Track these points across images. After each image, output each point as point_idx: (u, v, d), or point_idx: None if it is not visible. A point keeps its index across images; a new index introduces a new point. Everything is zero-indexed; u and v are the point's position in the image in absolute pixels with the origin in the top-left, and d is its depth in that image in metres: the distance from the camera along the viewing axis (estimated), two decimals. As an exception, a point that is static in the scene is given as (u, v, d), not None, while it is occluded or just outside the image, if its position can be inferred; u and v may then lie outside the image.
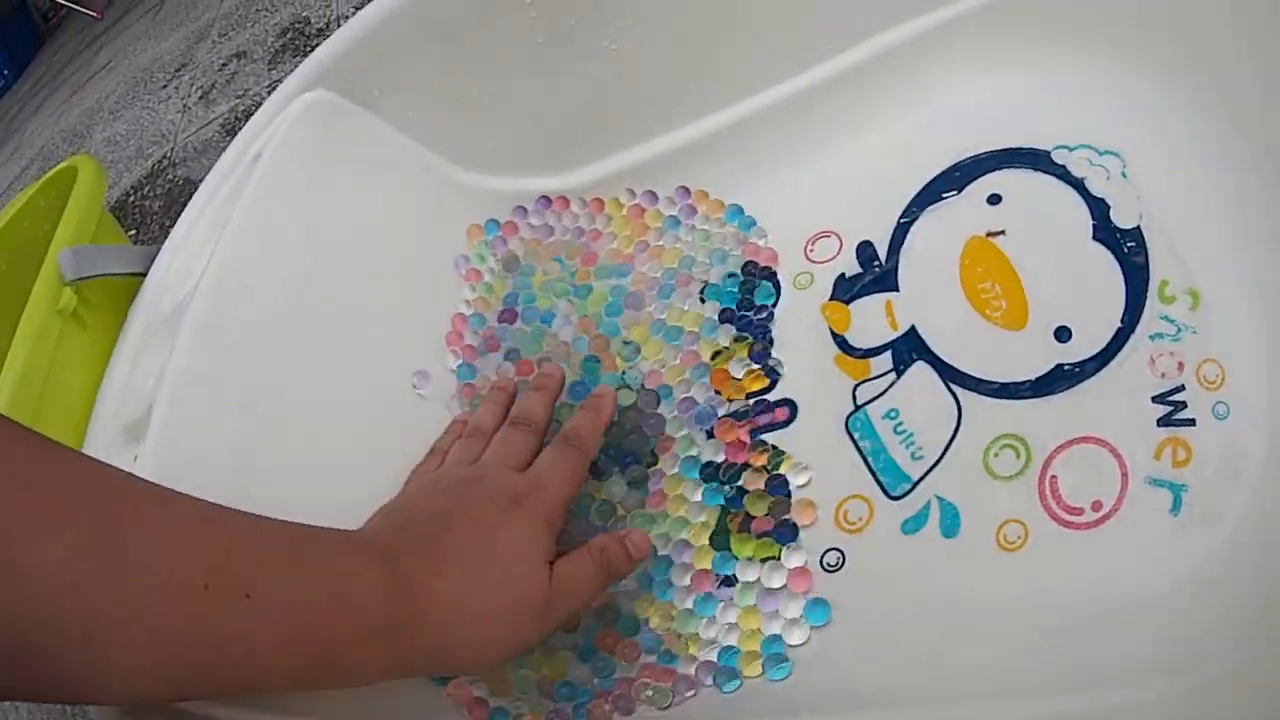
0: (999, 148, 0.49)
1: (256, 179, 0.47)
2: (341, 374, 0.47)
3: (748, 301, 0.51)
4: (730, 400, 0.48)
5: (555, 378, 0.49)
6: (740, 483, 0.45)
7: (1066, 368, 0.43)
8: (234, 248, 0.45)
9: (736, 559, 0.43)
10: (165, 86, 2.01)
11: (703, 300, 0.51)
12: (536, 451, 0.44)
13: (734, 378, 0.49)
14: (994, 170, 0.49)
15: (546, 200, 0.56)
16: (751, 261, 0.52)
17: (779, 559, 0.43)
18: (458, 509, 0.39)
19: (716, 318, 0.50)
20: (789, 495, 0.44)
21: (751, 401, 0.48)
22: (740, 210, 0.54)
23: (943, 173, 0.50)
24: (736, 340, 0.49)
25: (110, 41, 2.73)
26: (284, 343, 0.45)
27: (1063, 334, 0.44)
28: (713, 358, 0.49)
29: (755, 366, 0.48)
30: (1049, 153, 0.48)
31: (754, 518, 0.44)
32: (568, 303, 0.53)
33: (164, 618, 0.28)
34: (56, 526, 0.27)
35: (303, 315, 0.47)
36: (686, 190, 0.54)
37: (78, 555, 0.27)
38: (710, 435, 0.47)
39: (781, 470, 0.45)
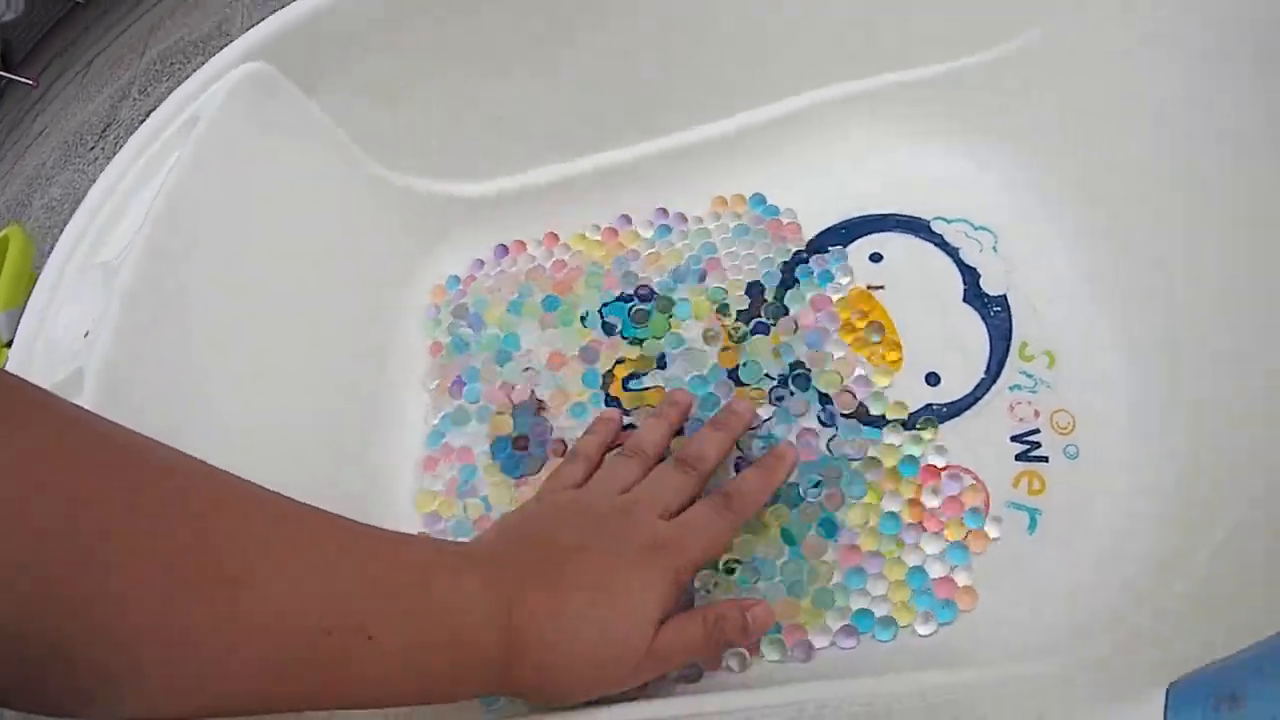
0: (884, 212, 0.53)
1: (194, 144, 0.45)
2: (275, 349, 0.47)
3: (636, 316, 0.53)
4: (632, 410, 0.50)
5: (743, 417, 0.46)
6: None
7: (935, 406, 0.46)
8: (169, 214, 0.43)
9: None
10: (93, 148, 1.99)
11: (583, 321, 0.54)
12: (693, 496, 0.42)
13: (625, 390, 0.51)
14: (878, 232, 0.53)
15: (504, 249, 0.57)
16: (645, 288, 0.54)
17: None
18: (592, 545, 0.37)
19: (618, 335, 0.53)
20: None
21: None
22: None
23: (832, 228, 0.54)
24: (628, 358, 0.52)
25: (46, 108, 2.70)
26: (219, 311, 0.44)
27: (932, 378, 0.47)
28: (607, 372, 0.52)
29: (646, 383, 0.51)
30: (929, 222, 0.52)
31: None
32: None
33: (279, 660, 0.28)
34: (175, 584, 0.26)
35: (236, 285, 0.46)
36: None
37: (192, 605, 0.26)
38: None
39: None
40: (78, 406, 0.27)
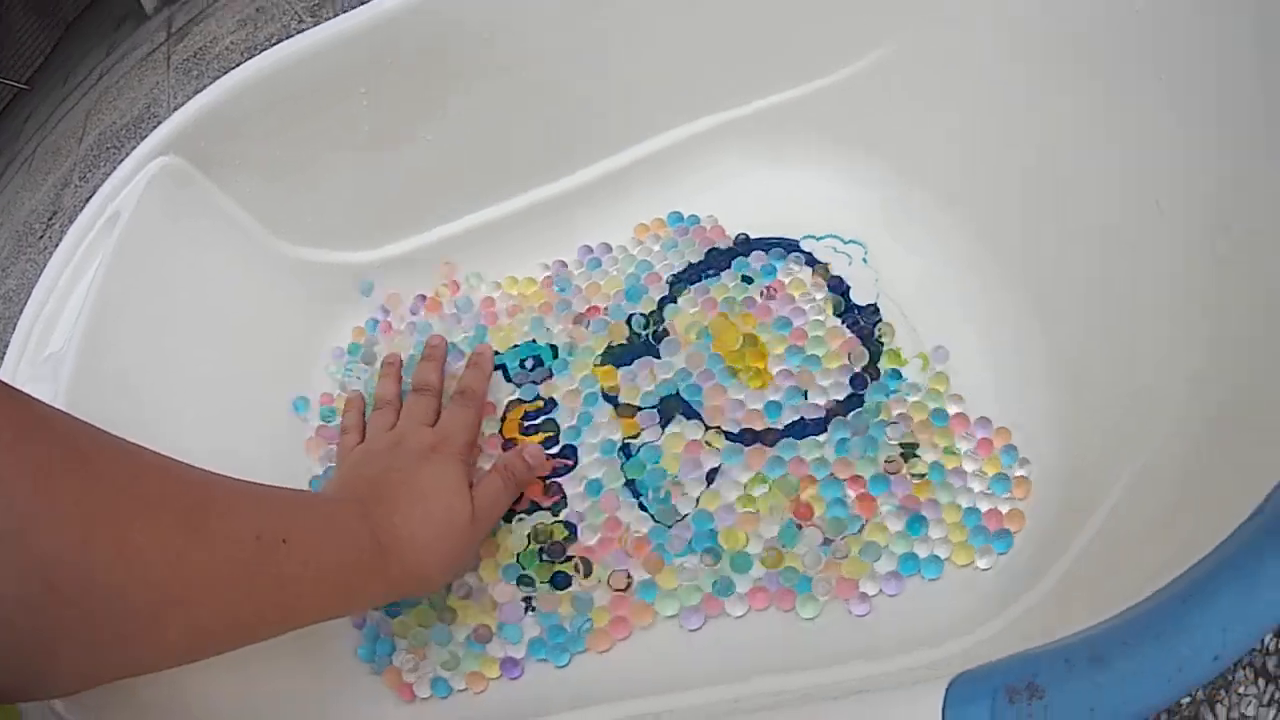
0: (755, 235, 0.57)
1: (117, 239, 0.50)
2: (207, 416, 0.51)
3: (529, 363, 0.56)
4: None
5: (441, 347, 0.57)
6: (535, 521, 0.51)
7: (809, 419, 0.50)
8: (101, 306, 0.47)
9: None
10: (42, 236, 2.00)
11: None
12: (438, 410, 0.53)
13: (521, 432, 0.54)
14: (750, 253, 0.57)
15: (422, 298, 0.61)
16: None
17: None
18: (392, 466, 0.47)
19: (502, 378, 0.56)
20: (575, 529, 0.50)
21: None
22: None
23: (706, 254, 0.58)
24: (521, 401, 0.55)
25: (-2, 200, 2.70)
26: (154, 388, 0.48)
27: (805, 392, 0.50)
28: (503, 415, 0.55)
29: (538, 421, 0.54)
30: (798, 240, 0.56)
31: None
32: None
33: (227, 570, 0.34)
34: (147, 513, 0.31)
35: (167, 363, 0.50)
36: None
37: (165, 536, 0.32)
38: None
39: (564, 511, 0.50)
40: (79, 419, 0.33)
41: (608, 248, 0.60)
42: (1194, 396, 0.38)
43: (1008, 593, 0.41)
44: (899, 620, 0.43)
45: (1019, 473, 0.46)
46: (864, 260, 0.54)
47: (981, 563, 0.44)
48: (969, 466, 0.47)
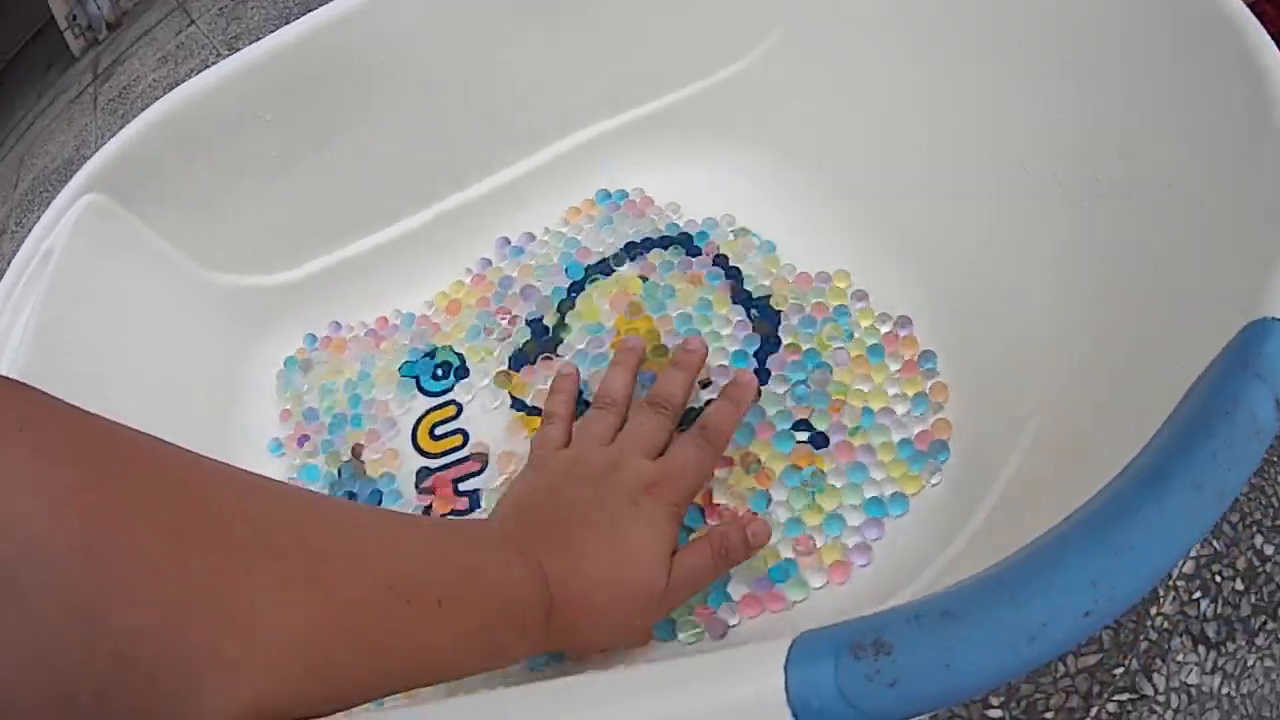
0: (653, 232, 0.60)
1: (49, 277, 0.52)
2: None
3: (438, 373, 0.58)
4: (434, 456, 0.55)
5: (698, 354, 0.49)
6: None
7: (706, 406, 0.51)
8: (37, 341, 0.49)
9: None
10: None
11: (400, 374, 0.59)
12: (670, 434, 0.45)
13: (432, 439, 0.56)
14: (650, 249, 0.60)
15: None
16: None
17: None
18: (594, 504, 0.40)
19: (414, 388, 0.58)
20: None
21: (449, 458, 0.55)
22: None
23: (606, 255, 0.60)
24: (434, 409, 0.57)
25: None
26: None
27: (705, 382, 0.53)
28: (415, 425, 0.57)
29: (449, 428, 0.56)
30: (693, 235, 0.59)
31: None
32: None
33: (366, 630, 0.28)
34: (270, 557, 0.26)
35: (104, 395, 0.51)
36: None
37: (286, 581, 0.26)
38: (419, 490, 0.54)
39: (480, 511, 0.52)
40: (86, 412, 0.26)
41: (530, 236, 0.63)
42: (1076, 346, 0.41)
43: (963, 502, 0.43)
44: (891, 566, 0.44)
45: (935, 380, 0.48)
46: (760, 248, 0.58)
47: (932, 480, 0.45)
48: (890, 390, 0.49)
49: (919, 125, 0.54)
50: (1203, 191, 0.36)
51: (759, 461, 0.48)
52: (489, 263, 0.62)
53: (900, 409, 0.49)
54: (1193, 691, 0.84)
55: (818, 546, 0.45)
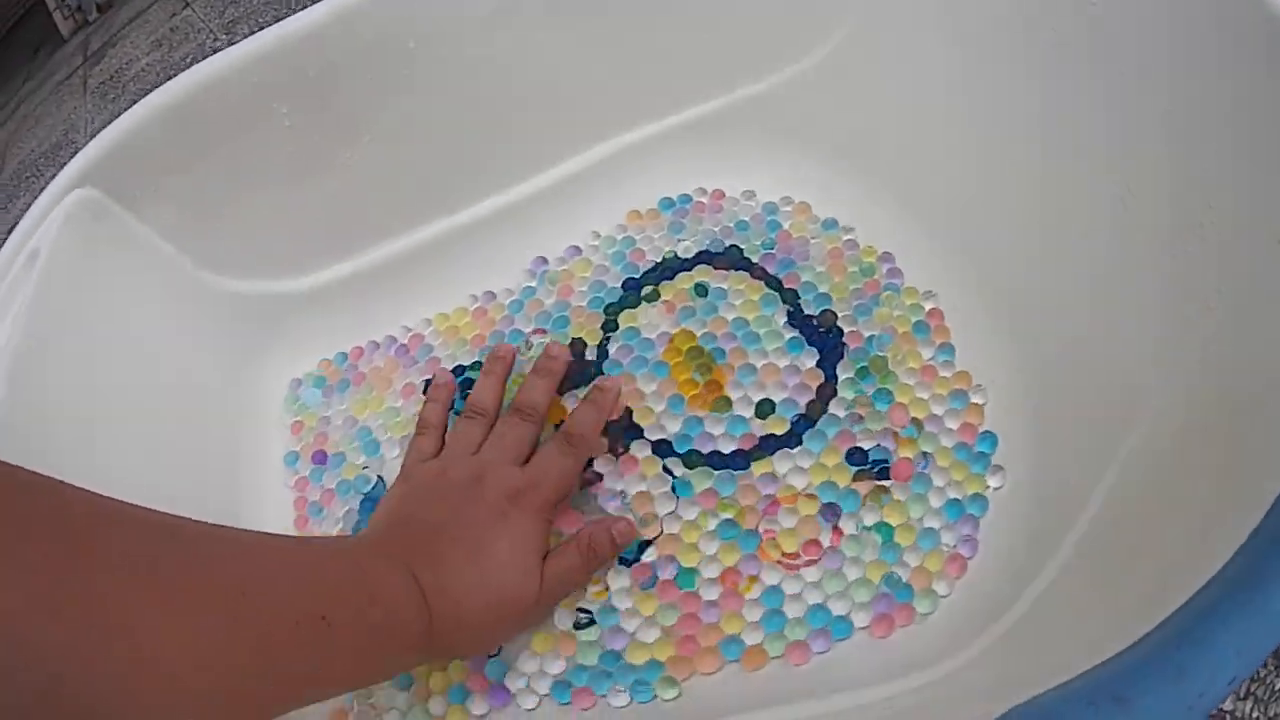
0: (700, 247, 0.56)
1: (37, 277, 0.47)
2: (137, 456, 0.48)
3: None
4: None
5: (561, 361, 0.49)
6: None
7: (769, 438, 0.48)
8: (25, 344, 0.45)
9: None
10: None
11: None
12: (536, 441, 0.46)
13: None
14: (696, 265, 0.55)
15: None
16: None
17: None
18: (459, 519, 0.41)
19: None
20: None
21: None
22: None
23: (650, 269, 0.56)
24: None
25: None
26: (80, 429, 0.45)
27: (764, 408, 0.49)
28: None
29: None
30: (742, 249, 0.55)
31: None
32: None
33: (260, 662, 0.30)
34: (172, 607, 0.27)
35: (94, 402, 0.47)
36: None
37: (196, 633, 0.28)
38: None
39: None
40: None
41: (577, 250, 0.58)
42: (1170, 401, 0.38)
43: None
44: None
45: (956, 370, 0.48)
46: (814, 267, 0.53)
47: (993, 480, 0.45)
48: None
49: (994, 141, 0.49)
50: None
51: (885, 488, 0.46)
52: (530, 274, 0.58)
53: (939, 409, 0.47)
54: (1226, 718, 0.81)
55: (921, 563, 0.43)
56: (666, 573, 0.45)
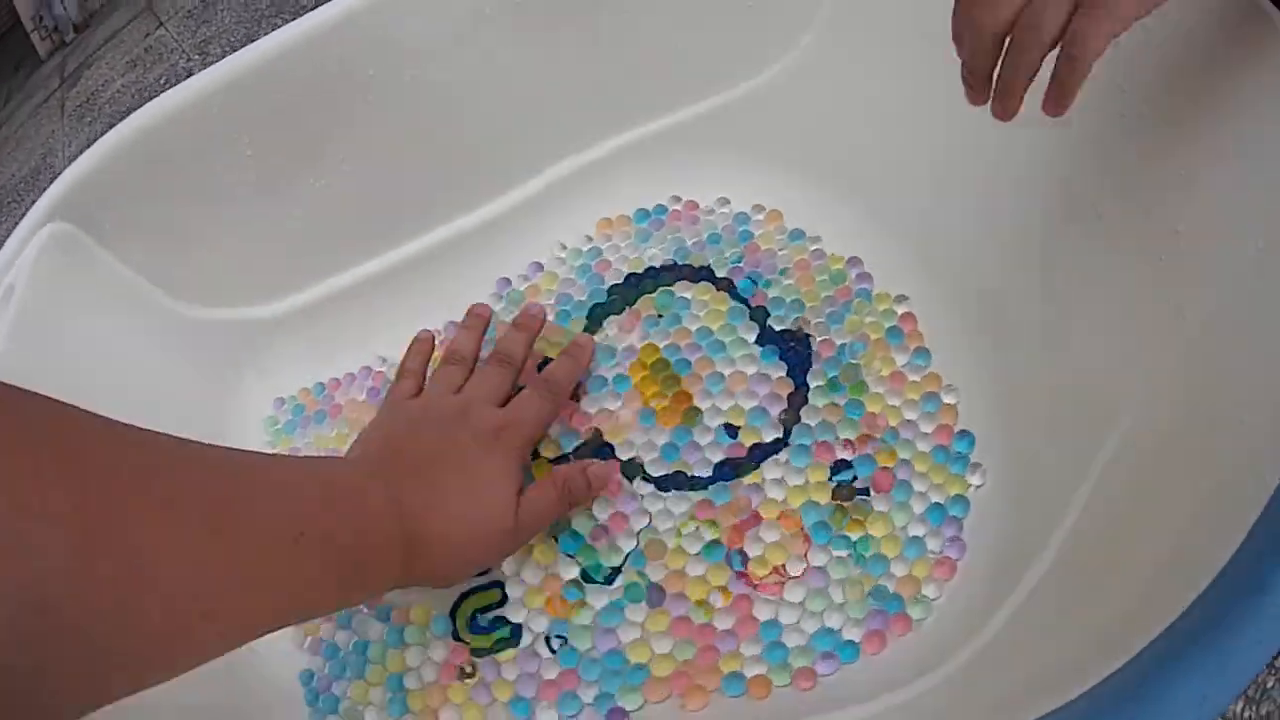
0: (664, 263, 0.56)
1: (12, 313, 0.47)
2: None
3: None
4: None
5: (538, 318, 0.52)
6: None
7: (740, 458, 0.48)
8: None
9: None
10: None
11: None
12: (513, 387, 0.48)
13: None
14: (666, 285, 0.55)
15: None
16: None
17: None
18: (447, 447, 0.43)
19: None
20: (503, 590, 0.47)
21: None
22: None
23: (617, 285, 0.56)
24: None
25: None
26: None
27: (732, 430, 0.49)
28: None
29: None
30: (711, 267, 0.55)
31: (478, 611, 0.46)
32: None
33: (252, 574, 0.30)
34: (160, 515, 0.28)
35: None
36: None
37: (183, 543, 0.28)
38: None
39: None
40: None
41: (539, 267, 0.58)
42: (1148, 405, 0.38)
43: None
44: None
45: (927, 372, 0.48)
46: (784, 280, 0.53)
47: (974, 479, 0.45)
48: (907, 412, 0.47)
49: (961, 146, 0.49)
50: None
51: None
52: (502, 290, 0.58)
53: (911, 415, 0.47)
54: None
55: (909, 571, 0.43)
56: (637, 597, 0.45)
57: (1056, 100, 0.34)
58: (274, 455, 0.39)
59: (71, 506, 0.24)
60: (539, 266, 0.58)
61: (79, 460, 0.26)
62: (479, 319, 0.53)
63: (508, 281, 0.58)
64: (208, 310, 0.57)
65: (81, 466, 0.26)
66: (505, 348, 0.49)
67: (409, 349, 0.52)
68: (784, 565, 0.44)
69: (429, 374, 0.50)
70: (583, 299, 0.55)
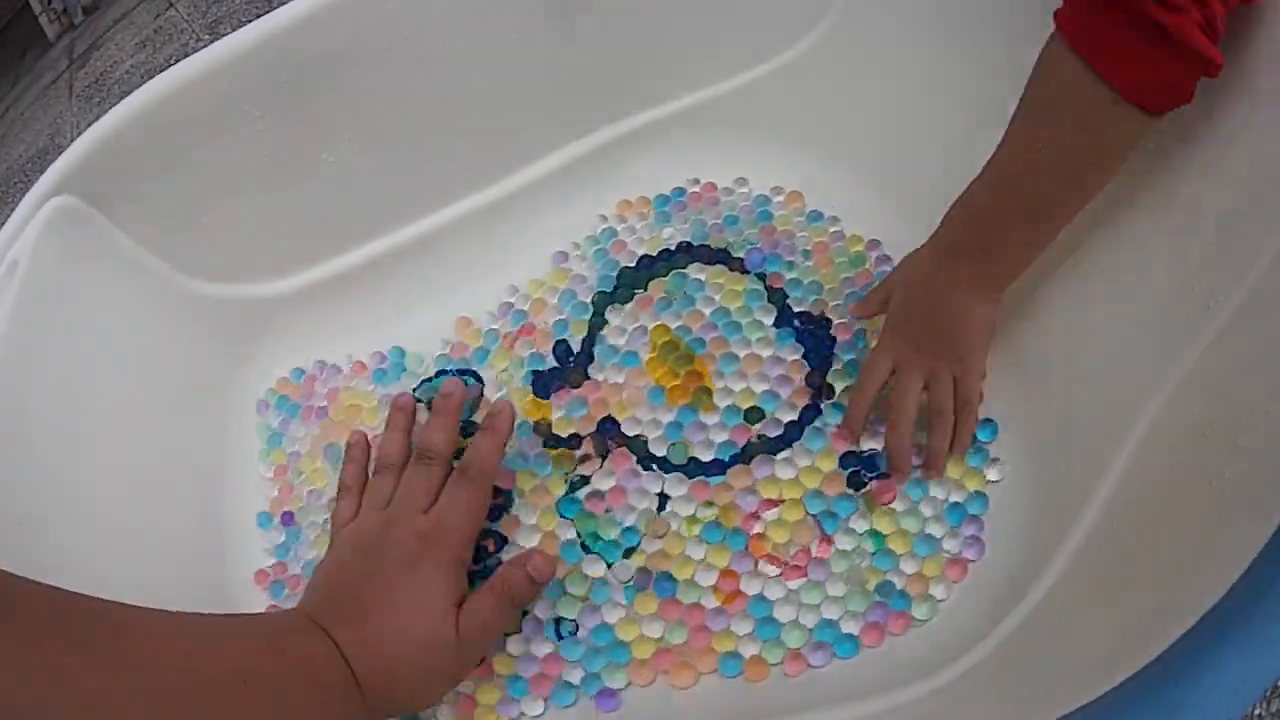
0: (683, 242, 0.55)
1: (16, 287, 0.47)
2: (117, 463, 0.47)
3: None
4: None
5: (455, 398, 0.49)
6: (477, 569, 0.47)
7: (757, 441, 0.47)
8: (4, 356, 0.44)
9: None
10: None
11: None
12: (443, 482, 0.45)
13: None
14: (679, 267, 0.54)
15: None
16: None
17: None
18: (373, 575, 0.41)
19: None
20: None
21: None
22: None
23: (628, 268, 0.55)
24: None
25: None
26: (61, 435, 0.45)
27: (753, 414, 0.48)
28: None
29: None
30: (729, 249, 0.54)
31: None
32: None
33: (175, 710, 0.32)
34: (83, 656, 0.30)
35: (74, 410, 0.47)
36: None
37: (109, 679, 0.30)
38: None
39: (504, 555, 0.47)
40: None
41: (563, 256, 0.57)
42: (1172, 399, 0.38)
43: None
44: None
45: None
46: (805, 262, 0.52)
47: (992, 473, 0.44)
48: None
49: (981, 128, 0.48)
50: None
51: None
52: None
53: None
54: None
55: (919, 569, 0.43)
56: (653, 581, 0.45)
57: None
58: (221, 618, 0.38)
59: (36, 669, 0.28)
60: (558, 253, 0.57)
61: (38, 632, 0.29)
62: (401, 413, 0.50)
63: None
64: (214, 286, 0.56)
65: (42, 639, 0.29)
66: (426, 442, 0.47)
67: (347, 456, 0.50)
68: (789, 552, 0.44)
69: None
70: (593, 283, 0.55)
